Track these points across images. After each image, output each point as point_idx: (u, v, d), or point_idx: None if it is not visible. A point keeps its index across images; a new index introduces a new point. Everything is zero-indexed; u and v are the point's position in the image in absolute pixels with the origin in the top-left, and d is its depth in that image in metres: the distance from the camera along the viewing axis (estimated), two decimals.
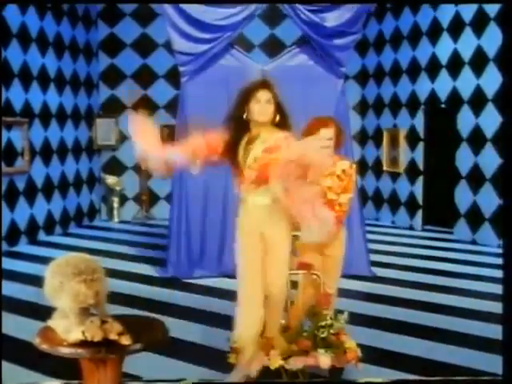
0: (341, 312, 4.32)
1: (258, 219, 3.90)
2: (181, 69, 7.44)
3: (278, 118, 3.93)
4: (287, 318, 4.54)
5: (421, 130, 10.61)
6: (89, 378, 2.41)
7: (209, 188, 7.43)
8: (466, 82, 9.52)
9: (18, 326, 5.33)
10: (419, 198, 10.72)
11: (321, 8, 7.39)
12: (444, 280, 7.28)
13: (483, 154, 9.24)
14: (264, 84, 3.98)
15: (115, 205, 11.77)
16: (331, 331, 4.14)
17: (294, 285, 4.60)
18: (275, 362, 4.04)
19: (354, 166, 4.60)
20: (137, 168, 11.83)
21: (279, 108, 3.94)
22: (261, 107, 3.89)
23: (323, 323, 4.15)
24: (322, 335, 4.11)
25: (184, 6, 7.21)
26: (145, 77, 11.70)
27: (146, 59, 11.72)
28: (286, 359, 4.06)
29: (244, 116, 3.93)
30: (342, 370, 4.27)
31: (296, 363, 4.01)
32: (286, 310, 4.60)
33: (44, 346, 2.30)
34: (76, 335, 2.27)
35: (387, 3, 11.19)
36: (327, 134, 4.25)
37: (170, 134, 10.91)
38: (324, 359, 4.04)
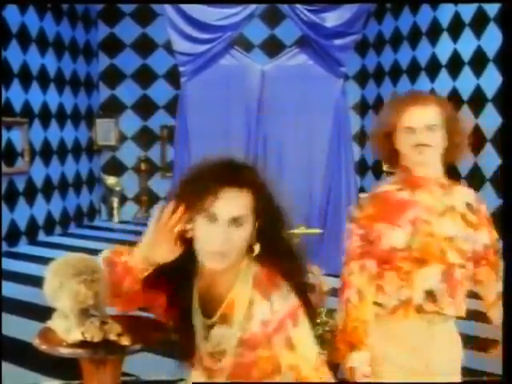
0: (334, 310, 4.32)
1: None
2: (181, 69, 7.45)
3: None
4: None
5: None
6: (88, 379, 2.41)
7: None
8: (466, 82, 9.51)
9: (17, 327, 5.32)
10: None
11: (321, 8, 7.40)
12: None
13: (483, 154, 9.23)
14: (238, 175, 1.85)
15: (115, 205, 11.77)
16: (326, 328, 4.16)
17: None
18: None
19: (484, 206, 2.72)
20: (136, 168, 11.85)
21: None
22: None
23: (318, 321, 4.16)
24: (317, 332, 4.13)
25: (184, 6, 7.22)
26: (144, 77, 11.69)
27: (145, 59, 11.71)
28: None
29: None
30: (338, 365, 4.29)
31: None
32: None
33: (43, 347, 2.30)
34: (75, 336, 2.27)
35: (387, 3, 11.20)
36: (421, 118, 2.35)
37: (169, 134, 10.98)
38: None
